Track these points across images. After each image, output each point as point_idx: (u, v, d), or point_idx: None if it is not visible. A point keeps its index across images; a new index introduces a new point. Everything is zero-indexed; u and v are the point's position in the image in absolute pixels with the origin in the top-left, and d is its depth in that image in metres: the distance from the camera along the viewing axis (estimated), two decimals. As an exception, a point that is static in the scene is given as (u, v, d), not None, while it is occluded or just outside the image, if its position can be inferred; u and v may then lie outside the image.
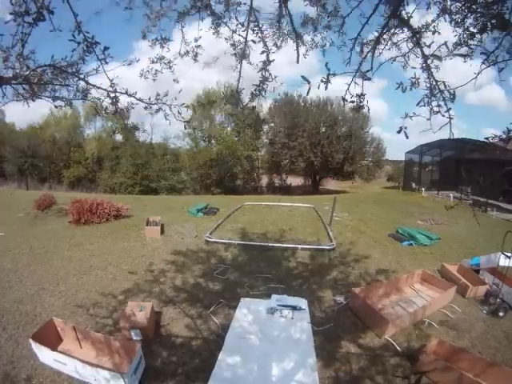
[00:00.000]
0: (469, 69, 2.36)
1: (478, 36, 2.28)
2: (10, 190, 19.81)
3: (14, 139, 26.82)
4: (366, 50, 2.65)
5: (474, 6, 2.28)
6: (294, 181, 30.67)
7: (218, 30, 3.13)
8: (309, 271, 5.65)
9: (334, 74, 2.11)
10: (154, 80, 2.94)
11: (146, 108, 2.48)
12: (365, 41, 2.75)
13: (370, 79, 2.22)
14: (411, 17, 2.35)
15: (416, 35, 2.32)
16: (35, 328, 3.68)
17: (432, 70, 2.13)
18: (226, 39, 3.18)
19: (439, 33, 2.50)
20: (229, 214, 9.98)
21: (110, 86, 2.23)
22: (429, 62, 2.15)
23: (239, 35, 3.02)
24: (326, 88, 2.13)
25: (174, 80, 3.19)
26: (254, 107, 2.91)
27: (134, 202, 12.25)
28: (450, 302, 4.58)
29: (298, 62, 3.18)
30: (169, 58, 3.08)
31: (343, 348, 3.57)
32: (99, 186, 25.40)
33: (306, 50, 3.37)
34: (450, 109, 2.00)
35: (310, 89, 2.22)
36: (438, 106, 2.00)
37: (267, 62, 2.48)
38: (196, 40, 3.13)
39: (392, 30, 2.56)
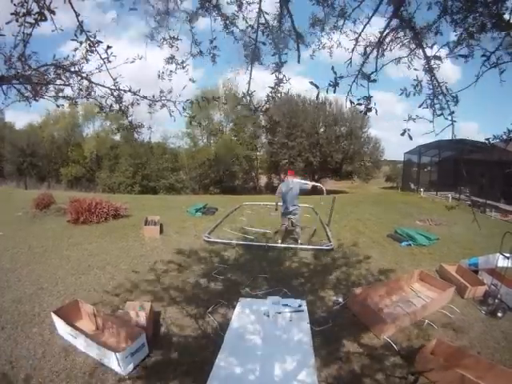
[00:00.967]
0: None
1: (477, 36, 2.29)
2: (8, 189, 19.74)
3: (13, 138, 26.73)
4: (368, 50, 2.66)
5: (474, 6, 2.29)
6: (293, 181, 30.62)
7: (230, 31, 3.14)
8: (308, 271, 5.66)
9: (342, 77, 2.10)
10: (170, 80, 2.95)
11: (150, 105, 2.49)
12: (366, 41, 2.75)
13: (375, 81, 2.21)
14: (413, 17, 2.36)
15: (418, 36, 2.33)
16: (34, 328, 3.69)
17: (434, 71, 2.14)
18: (235, 39, 3.18)
19: (441, 33, 2.51)
20: (227, 214, 9.99)
21: (113, 85, 2.23)
22: (431, 63, 2.16)
23: (249, 37, 3.03)
24: (335, 91, 2.13)
25: (189, 79, 3.19)
26: (267, 109, 2.92)
27: (132, 201, 12.24)
28: (449, 302, 4.59)
29: (298, 61, 3.19)
30: (181, 59, 3.09)
31: (342, 348, 3.57)
32: (98, 186, 25.37)
33: (313, 51, 3.38)
34: (454, 112, 2.00)
35: (318, 94, 2.22)
36: (441, 108, 2.01)
37: (280, 64, 2.48)
38: (211, 41, 3.13)
39: (393, 32, 2.57)
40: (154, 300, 4.39)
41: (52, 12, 1.62)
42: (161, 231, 7.65)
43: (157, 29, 3.09)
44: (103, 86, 2.27)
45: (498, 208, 12.43)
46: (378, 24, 2.70)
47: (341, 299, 4.60)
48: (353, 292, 4.37)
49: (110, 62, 2.05)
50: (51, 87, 2.29)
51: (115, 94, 2.26)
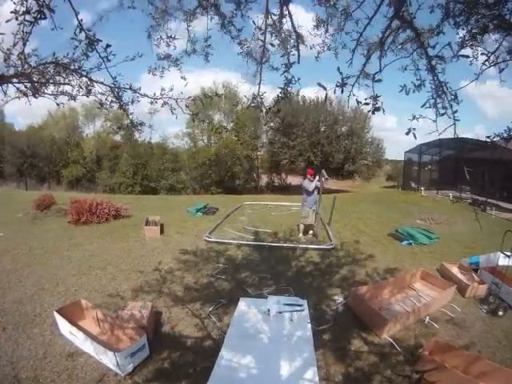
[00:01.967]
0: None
1: (479, 37, 2.28)
2: (9, 190, 19.76)
3: (13, 139, 26.74)
4: (370, 50, 2.65)
5: (475, 8, 2.28)
6: (294, 180, 30.70)
7: (228, 30, 3.13)
8: (308, 271, 5.65)
9: (348, 77, 2.09)
10: (161, 77, 2.94)
11: (151, 103, 2.49)
12: (366, 41, 2.75)
13: (380, 81, 2.20)
14: (414, 17, 2.36)
15: (419, 36, 2.32)
16: (35, 328, 3.70)
17: (436, 71, 2.13)
18: (238, 43, 3.18)
19: (443, 33, 2.51)
20: (228, 214, 9.99)
21: (113, 83, 2.22)
22: (433, 62, 2.15)
23: (258, 39, 3.03)
24: (342, 92, 2.12)
25: (181, 77, 3.18)
26: (278, 110, 2.91)
27: (133, 201, 12.25)
28: (450, 301, 4.59)
29: (298, 62, 3.19)
30: (176, 57, 3.08)
31: (342, 347, 3.57)
32: (98, 186, 25.33)
33: (318, 53, 3.37)
34: (457, 111, 1.99)
35: (326, 95, 2.21)
36: (444, 107, 2.00)
37: (289, 65, 2.48)
38: (206, 40, 3.12)
39: (395, 32, 2.56)
40: (154, 300, 4.40)
41: (51, 10, 1.61)
42: (161, 231, 7.66)
43: (154, 27, 3.09)
44: (103, 84, 2.27)
45: (499, 206, 12.41)
46: (379, 24, 2.70)
47: (341, 298, 4.59)
48: (353, 291, 4.36)
49: (109, 60, 2.05)
50: (51, 85, 2.29)
51: (115, 91, 2.25)
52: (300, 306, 3.38)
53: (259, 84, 2.84)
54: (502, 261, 4.74)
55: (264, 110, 2.75)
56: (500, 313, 4.25)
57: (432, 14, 2.68)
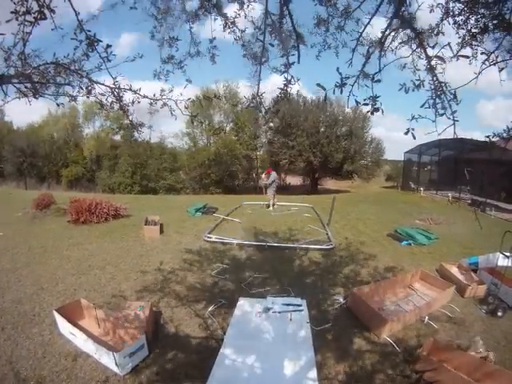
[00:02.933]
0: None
1: (479, 37, 2.29)
2: (8, 189, 19.74)
3: (13, 139, 26.72)
4: (370, 50, 2.65)
5: (475, 7, 2.28)
6: (293, 180, 30.73)
7: (232, 31, 3.13)
8: (308, 271, 5.66)
9: (348, 77, 2.09)
10: (166, 80, 2.95)
11: (151, 104, 2.49)
12: (366, 41, 2.75)
13: (379, 81, 2.20)
14: (414, 17, 2.36)
15: (419, 36, 2.32)
16: (34, 328, 3.68)
17: (436, 71, 2.13)
18: (239, 42, 3.18)
19: (443, 33, 2.51)
20: (227, 214, 9.99)
21: (114, 84, 2.23)
22: (432, 63, 2.15)
23: (258, 39, 3.03)
24: (342, 92, 2.12)
25: (186, 80, 3.18)
26: (278, 110, 2.91)
27: (132, 201, 12.24)
28: (449, 301, 4.59)
29: (298, 62, 3.19)
30: (179, 59, 3.08)
31: (342, 347, 3.57)
32: (98, 186, 25.35)
33: (319, 52, 3.38)
34: (456, 111, 1.99)
35: (326, 95, 2.21)
36: (444, 108, 2.00)
37: (288, 65, 2.48)
38: (211, 41, 3.13)
39: (394, 32, 2.57)
40: (153, 300, 4.39)
41: (52, 11, 1.61)
42: (161, 231, 7.66)
43: (156, 28, 3.09)
44: (103, 85, 2.27)
45: (498, 207, 12.43)
46: (379, 24, 2.70)
47: (341, 299, 4.59)
48: (353, 291, 4.37)
49: (109, 61, 2.05)
50: (51, 86, 2.29)
51: (115, 92, 2.26)
52: (299, 306, 3.40)
53: (258, 84, 2.85)
54: (501, 261, 4.74)
55: (263, 111, 2.75)
56: (499, 313, 4.26)
57: (432, 14, 2.69)
